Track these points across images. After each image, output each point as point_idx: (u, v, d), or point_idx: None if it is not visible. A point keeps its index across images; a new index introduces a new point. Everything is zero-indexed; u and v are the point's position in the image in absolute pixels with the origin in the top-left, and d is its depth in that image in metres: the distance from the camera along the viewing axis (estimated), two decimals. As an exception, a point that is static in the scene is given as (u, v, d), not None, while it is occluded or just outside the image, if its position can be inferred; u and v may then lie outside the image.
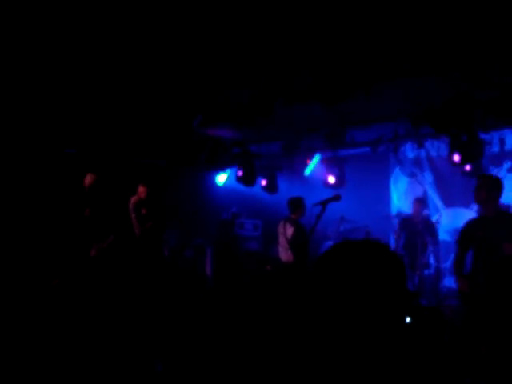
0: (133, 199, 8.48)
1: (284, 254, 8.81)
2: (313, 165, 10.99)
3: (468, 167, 8.91)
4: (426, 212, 10.46)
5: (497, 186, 5.93)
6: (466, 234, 6.17)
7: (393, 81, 6.82)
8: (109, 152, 11.62)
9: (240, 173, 11.44)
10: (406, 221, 9.87)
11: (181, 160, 11.33)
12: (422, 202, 9.94)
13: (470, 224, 6.27)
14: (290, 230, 8.72)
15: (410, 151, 11.27)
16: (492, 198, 5.86)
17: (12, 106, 7.91)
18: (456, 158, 8.09)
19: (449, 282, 10.24)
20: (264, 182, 11.85)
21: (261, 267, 10.67)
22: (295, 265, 8.47)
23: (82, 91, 7.38)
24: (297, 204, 8.90)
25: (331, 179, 10.72)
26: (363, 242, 1.54)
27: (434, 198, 11.24)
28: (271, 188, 11.58)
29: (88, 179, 8.43)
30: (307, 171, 11.03)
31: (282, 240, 8.89)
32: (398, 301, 1.45)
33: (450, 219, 10.68)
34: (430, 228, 9.49)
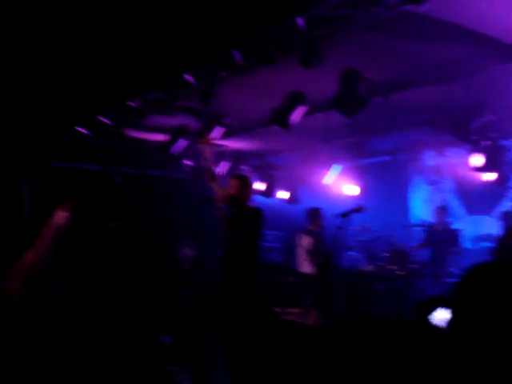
0: (221, 193, 6.08)
1: (303, 265, 8.78)
2: (333, 174, 10.96)
3: (493, 175, 8.85)
4: (447, 220, 10.39)
5: None
6: (505, 242, 6.04)
7: (412, 89, 6.82)
8: (129, 167, 11.72)
9: (259, 185, 11.45)
10: (428, 230, 9.79)
11: (201, 172, 11.39)
12: (443, 209, 9.86)
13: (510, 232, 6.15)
14: (307, 241, 8.70)
15: (429, 159, 11.20)
16: None
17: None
18: (477, 161, 8.01)
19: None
20: (284, 194, 11.85)
21: (282, 278, 10.63)
22: (316, 276, 8.44)
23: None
24: (313, 214, 8.88)
25: (351, 188, 10.70)
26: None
27: (455, 205, 11.15)
28: (292, 199, 11.59)
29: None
30: (327, 181, 11.00)
31: (300, 251, 8.87)
32: None
33: (472, 227, 10.59)
34: (452, 236, 9.40)
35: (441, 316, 1.90)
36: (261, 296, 5.87)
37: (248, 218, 5.94)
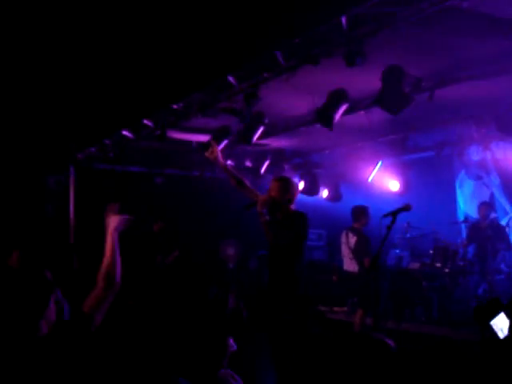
0: (261, 197, 5.65)
1: (348, 263, 8.71)
2: (376, 172, 10.86)
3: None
4: (493, 215, 10.20)
5: None
6: None
7: (457, 84, 6.73)
8: (171, 168, 11.83)
9: (302, 183, 11.42)
10: (474, 227, 9.66)
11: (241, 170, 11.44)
12: (488, 205, 9.72)
13: None
14: (352, 240, 8.60)
15: (475, 154, 10.99)
16: None
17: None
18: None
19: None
20: (327, 192, 11.79)
21: (327, 277, 10.60)
22: (360, 275, 8.37)
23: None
24: (360, 212, 8.75)
25: (395, 185, 10.59)
26: None
27: (502, 200, 10.95)
28: (334, 197, 11.52)
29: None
30: (370, 179, 10.91)
31: (344, 249, 8.79)
32: None
33: (519, 222, 10.38)
34: (501, 232, 9.24)
35: (501, 322, 1.86)
36: (305, 298, 5.79)
37: (291, 224, 5.63)
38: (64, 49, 5.33)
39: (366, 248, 8.36)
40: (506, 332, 1.65)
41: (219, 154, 5.97)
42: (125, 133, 8.66)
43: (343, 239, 8.80)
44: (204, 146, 7.78)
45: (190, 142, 10.07)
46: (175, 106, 7.59)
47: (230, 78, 6.28)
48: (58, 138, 8.54)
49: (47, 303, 2.67)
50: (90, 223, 9.98)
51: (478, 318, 1.85)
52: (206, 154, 6.06)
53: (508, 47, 5.76)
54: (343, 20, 4.89)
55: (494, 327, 1.79)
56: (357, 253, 8.47)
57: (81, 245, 9.54)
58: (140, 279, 8.03)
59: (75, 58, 5.60)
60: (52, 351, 2.54)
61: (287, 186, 5.72)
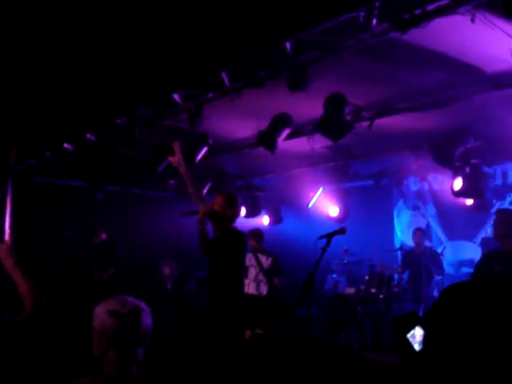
0: (204, 208, 5.58)
1: (254, 286, 8.59)
2: (316, 198, 11.02)
3: (471, 201, 8.96)
4: (429, 244, 10.46)
5: None
6: (483, 268, 6.03)
7: (397, 115, 6.93)
8: (113, 184, 11.71)
9: (243, 205, 11.47)
10: (408, 254, 9.87)
11: (184, 191, 11.40)
12: (422, 232, 9.91)
13: (487, 257, 6.15)
14: (268, 261, 8.56)
15: (413, 184, 11.30)
16: (511, 233, 5.75)
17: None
18: (458, 187, 8.09)
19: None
20: (268, 218, 11.87)
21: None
22: (269, 297, 8.37)
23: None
24: (262, 234, 8.82)
25: (334, 212, 10.75)
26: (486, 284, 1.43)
27: (437, 231, 11.26)
28: (275, 221, 11.61)
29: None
30: (311, 204, 11.06)
31: (254, 272, 8.62)
32: None
33: (453, 252, 10.68)
34: (435, 258, 9.43)
35: (418, 335, 1.94)
36: (242, 317, 5.73)
37: (228, 241, 5.61)
38: (9, 56, 5.27)
39: (281, 267, 8.45)
40: (421, 345, 1.73)
41: (181, 158, 5.92)
42: (66, 145, 8.54)
43: (251, 262, 8.60)
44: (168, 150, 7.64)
45: (132, 159, 10.00)
46: (119, 122, 7.54)
47: (175, 96, 6.31)
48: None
49: None
50: (26, 237, 9.81)
51: (394, 329, 1.93)
52: (170, 157, 6.01)
53: (446, 80, 5.99)
54: (288, 45, 5.00)
55: (411, 339, 1.87)
56: (271, 273, 8.46)
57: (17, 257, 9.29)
58: (72, 294, 7.91)
59: (20, 66, 5.54)
60: None
61: (232, 203, 5.68)
